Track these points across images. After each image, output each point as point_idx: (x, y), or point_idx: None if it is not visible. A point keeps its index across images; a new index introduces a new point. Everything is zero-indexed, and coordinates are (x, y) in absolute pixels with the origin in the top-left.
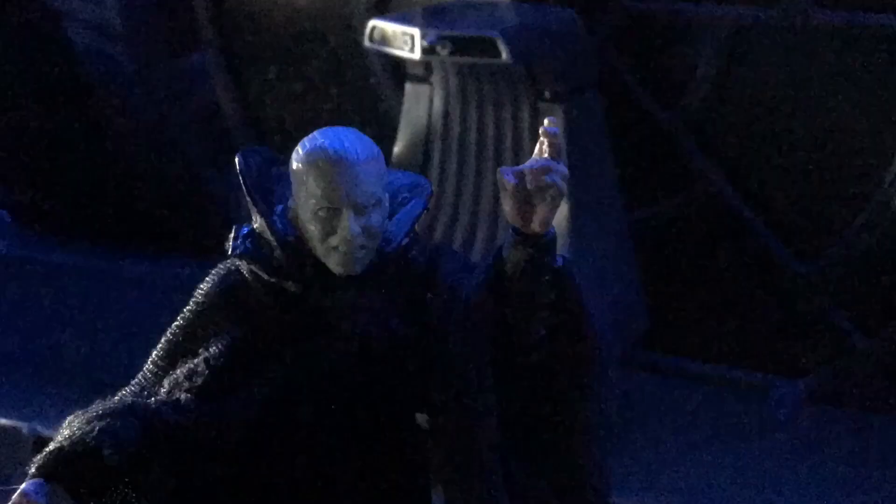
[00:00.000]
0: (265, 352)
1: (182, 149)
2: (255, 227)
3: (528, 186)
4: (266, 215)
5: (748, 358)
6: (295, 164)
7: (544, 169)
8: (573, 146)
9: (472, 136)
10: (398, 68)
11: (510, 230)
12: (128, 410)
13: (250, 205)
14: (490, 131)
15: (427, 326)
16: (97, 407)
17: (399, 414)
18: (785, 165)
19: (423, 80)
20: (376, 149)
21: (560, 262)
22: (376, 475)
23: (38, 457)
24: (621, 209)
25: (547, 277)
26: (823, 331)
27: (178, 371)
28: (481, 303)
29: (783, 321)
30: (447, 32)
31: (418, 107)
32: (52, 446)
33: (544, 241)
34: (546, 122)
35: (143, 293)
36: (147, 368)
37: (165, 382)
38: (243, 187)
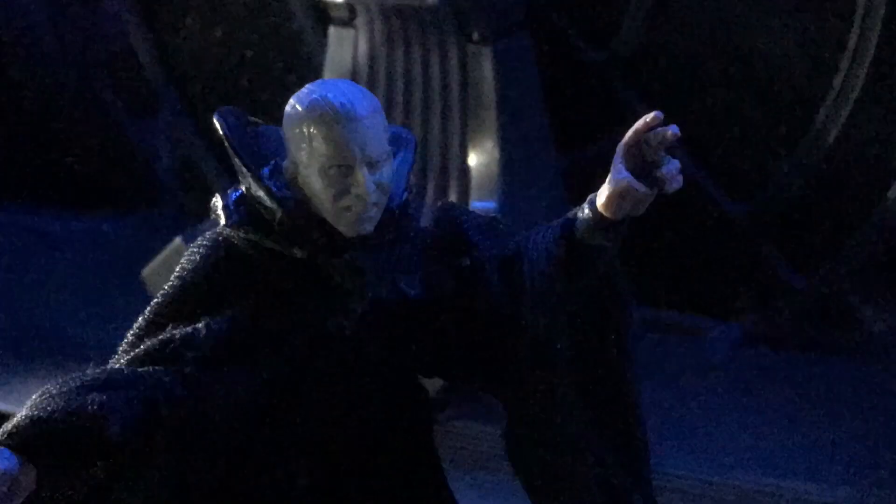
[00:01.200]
0: (270, 322)
1: (98, 99)
2: (245, 192)
3: (668, 191)
4: (261, 179)
5: (683, 300)
6: (295, 122)
7: (679, 169)
8: (502, 89)
9: (400, 81)
10: (321, 11)
11: (591, 214)
12: (128, 382)
13: (240, 168)
14: (417, 76)
15: (444, 288)
16: (86, 377)
17: (407, 376)
18: (718, 105)
19: (347, 23)
20: (375, 99)
21: None
22: (382, 440)
23: (6, 426)
24: (553, 151)
25: (610, 255)
26: (758, 272)
27: (171, 335)
28: (552, 279)
29: (718, 263)
30: None
31: (343, 51)
32: (24, 417)
33: (624, 224)
34: (651, 116)
35: (63, 251)
36: (125, 350)
37: (156, 343)
38: (230, 150)
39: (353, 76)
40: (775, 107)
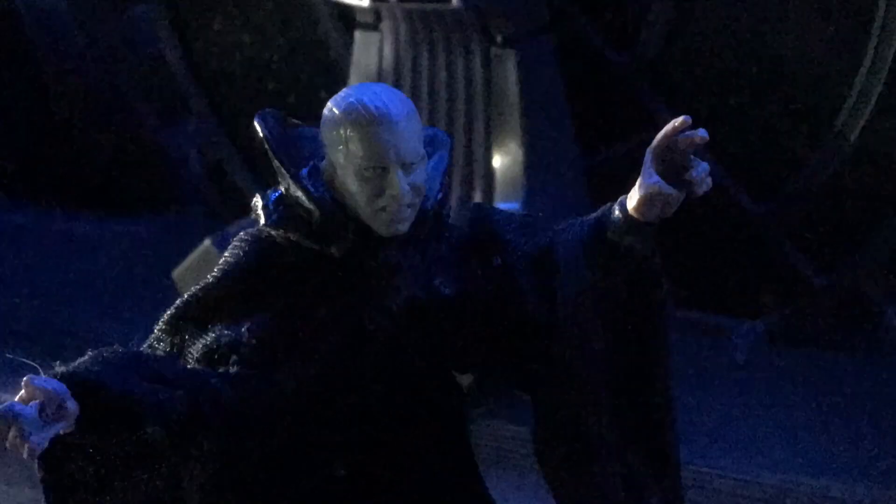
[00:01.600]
0: (310, 320)
1: (128, 104)
2: (283, 192)
3: (697, 193)
4: (299, 180)
5: (706, 300)
6: (332, 125)
7: (708, 172)
8: (526, 91)
9: (424, 84)
10: (347, 16)
11: (622, 216)
12: (176, 378)
13: (279, 169)
14: (442, 78)
15: (477, 287)
16: (139, 360)
17: (442, 374)
18: (740, 105)
19: (373, 27)
20: (410, 102)
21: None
22: (418, 436)
23: (59, 370)
24: (576, 153)
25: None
26: (781, 271)
27: (217, 342)
28: (585, 279)
29: (741, 262)
30: None
31: (368, 55)
32: (77, 370)
33: (655, 226)
34: (680, 121)
35: (95, 253)
36: (164, 331)
37: (201, 348)
38: (270, 152)
39: (379, 79)
40: (797, 107)
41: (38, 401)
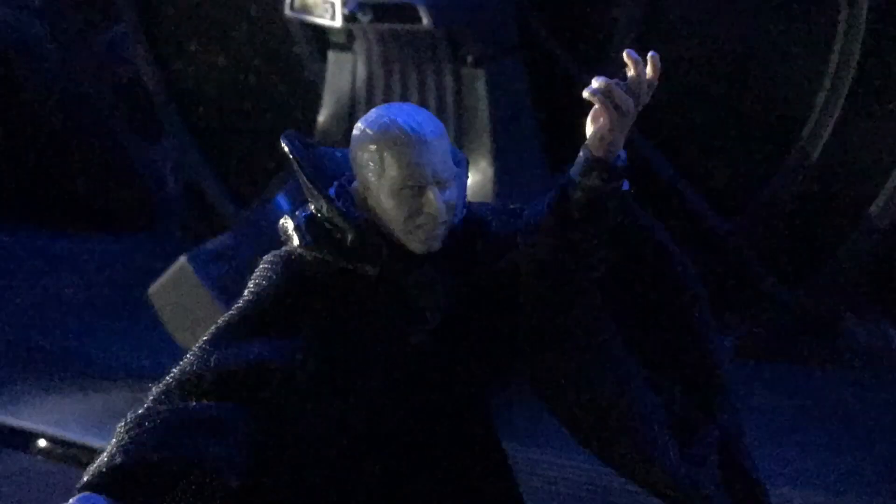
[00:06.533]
0: (352, 340)
1: (105, 124)
2: (314, 212)
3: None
4: (333, 200)
5: None
6: (365, 145)
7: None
8: (496, 110)
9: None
10: (320, 37)
11: (583, 158)
12: (234, 424)
13: (310, 190)
14: (414, 97)
15: (467, 296)
16: (185, 413)
17: (471, 383)
18: (706, 123)
19: (346, 47)
20: (441, 123)
21: (626, 186)
22: (456, 461)
23: (94, 470)
24: (546, 170)
25: (616, 202)
26: (747, 287)
27: (263, 363)
28: (547, 227)
29: (707, 278)
30: None
31: (342, 75)
32: (114, 460)
33: (619, 167)
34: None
35: (73, 270)
36: (199, 361)
37: (249, 370)
38: (301, 173)
39: (352, 98)
40: (761, 125)
41: None
